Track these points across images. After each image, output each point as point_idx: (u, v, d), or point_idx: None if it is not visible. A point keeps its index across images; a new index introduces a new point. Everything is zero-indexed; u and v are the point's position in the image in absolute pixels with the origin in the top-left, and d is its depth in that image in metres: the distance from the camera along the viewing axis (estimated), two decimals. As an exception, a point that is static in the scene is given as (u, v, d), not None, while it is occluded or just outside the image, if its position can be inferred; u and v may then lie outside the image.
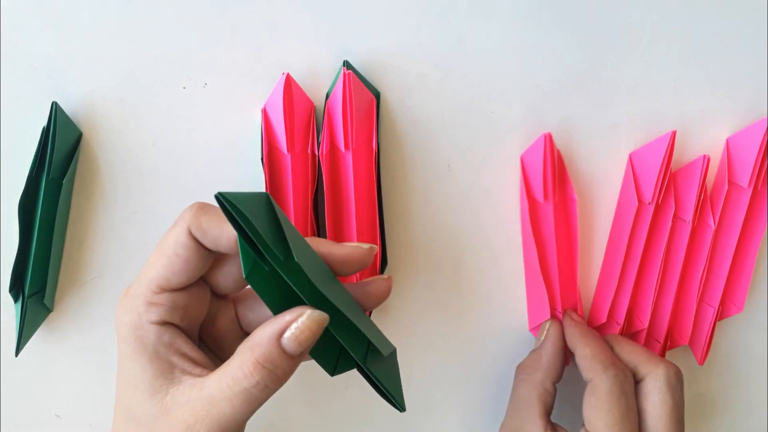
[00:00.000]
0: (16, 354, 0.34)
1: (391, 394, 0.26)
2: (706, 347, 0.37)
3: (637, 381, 0.33)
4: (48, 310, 0.35)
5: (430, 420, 0.39)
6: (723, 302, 0.37)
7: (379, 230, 0.34)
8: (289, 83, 0.31)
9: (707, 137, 0.36)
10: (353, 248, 0.27)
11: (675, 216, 0.35)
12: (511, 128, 0.35)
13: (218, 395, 0.25)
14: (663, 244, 0.35)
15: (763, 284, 0.38)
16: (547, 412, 0.34)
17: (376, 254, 0.34)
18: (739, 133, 0.35)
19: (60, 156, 0.32)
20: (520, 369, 0.35)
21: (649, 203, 0.34)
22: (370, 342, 0.26)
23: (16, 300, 0.33)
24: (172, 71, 0.33)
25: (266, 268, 0.25)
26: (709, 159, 0.34)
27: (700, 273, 0.36)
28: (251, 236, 0.24)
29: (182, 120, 0.33)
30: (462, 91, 0.34)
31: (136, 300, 0.26)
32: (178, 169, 0.34)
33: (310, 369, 0.35)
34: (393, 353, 0.28)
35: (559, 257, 0.35)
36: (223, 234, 0.25)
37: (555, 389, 0.35)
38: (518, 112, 0.35)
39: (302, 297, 0.24)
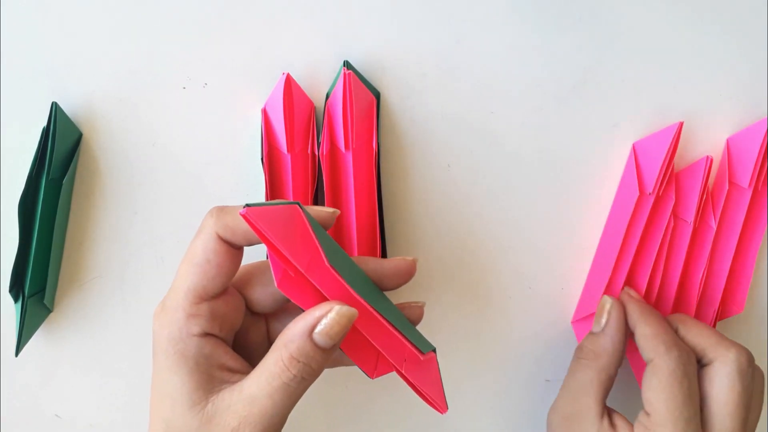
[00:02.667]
0: (16, 354, 0.34)
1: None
2: (706, 347, 0.37)
3: (704, 364, 0.32)
4: (48, 310, 0.35)
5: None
6: (723, 302, 0.37)
7: (379, 230, 0.34)
8: (290, 83, 0.31)
9: (708, 137, 0.36)
10: (399, 261, 0.28)
11: (676, 216, 0.35)
12: (511, 128, 0.35)
13: (258, 393, 0.25)
14: (659, 237, 0.35)
15: (763, 284, 0.38)
16: (605, 397, 0.33)
17: (376, 254, 0.34)
18: (739, 133, 0.35)
19: (60, 156, 0.32)
20: (582, 353, 0.34)
21: (650, 194, 0.34)
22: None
23: (16, 300, 0.33)
24: (172, 71, 0.33)
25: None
26: (711, 160, 0.34)
27: (701, 273, 0.36)
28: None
29: (182, 120, 0.33)
30: (462, 91, 0.34)
31: (176, 313, 0.26)
32: (178, 169, 0.34)
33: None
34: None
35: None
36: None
37: (616, 374, 0.33)
38: (518, 112, 0.35)
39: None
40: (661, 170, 0.33)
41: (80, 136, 0.33)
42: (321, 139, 0.32)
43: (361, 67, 0.33)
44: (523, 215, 0.36)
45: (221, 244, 0.26)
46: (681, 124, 0.33)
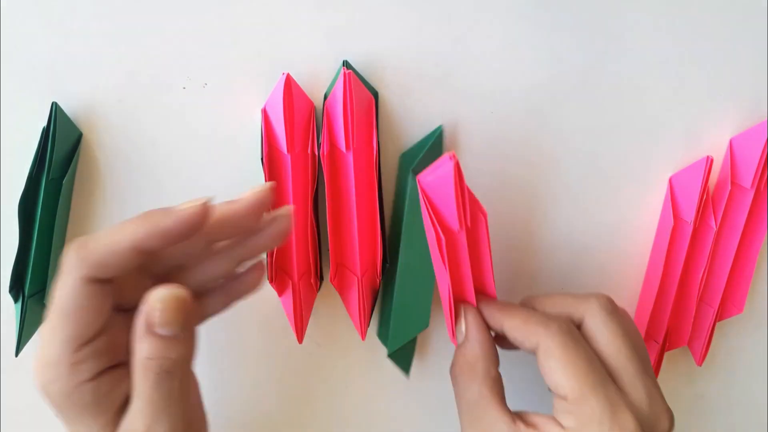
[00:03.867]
0: (16, 354, 0.34)
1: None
2: (705, 348, 0.37)
3: (577, 327, 0.31)
4: (48, 310, 0.35)
5: None
6: (723, 303, 0.37)
7: (380, 230, 0.34)
8: (290, 83, 0.31)
9: (708, 137, 0.36)
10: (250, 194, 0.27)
11: (676, 216, 0.35)
12: (511, 128, 0.35)
13: (140, 407, 0.25)
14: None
15: (763, 285, 0.38)
16: (504, 401, 0.30)
17: (376, 255, 0.34)
18: (743, 134, 0.35)
19: (60, 156, 0.32)
20: (457, 371, 0.31)
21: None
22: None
23: (16, 300, 0.33)
24: (172, 71, 0.33)
25: None
26: (712, 160, 0.34)
27: (701, 273, 0.36)
28: None
29: (182, 120, 0.33)
30: (462, 91, 0.34)
31: (58, 367, 0.24)
32: (178, 169, 0.34)
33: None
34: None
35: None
36: (122, 258, 0.24)
37: (500, 374, 0.31)
38: (518, 112, 0.35)
39: None
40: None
41: (80, 136, 0.33)
42: (321, 140, 0.32)
43: (361, 67, 0.33)
44: (523, 215, 0.36)
45: (91, 285, 0.24)
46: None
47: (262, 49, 0.33)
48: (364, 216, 0.33)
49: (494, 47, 0.33)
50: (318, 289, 0.35)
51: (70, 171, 0.33)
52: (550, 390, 0.29)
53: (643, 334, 0.37)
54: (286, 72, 0.31)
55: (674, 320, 0.38)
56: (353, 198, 0.33)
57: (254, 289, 0.30)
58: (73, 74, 0.33)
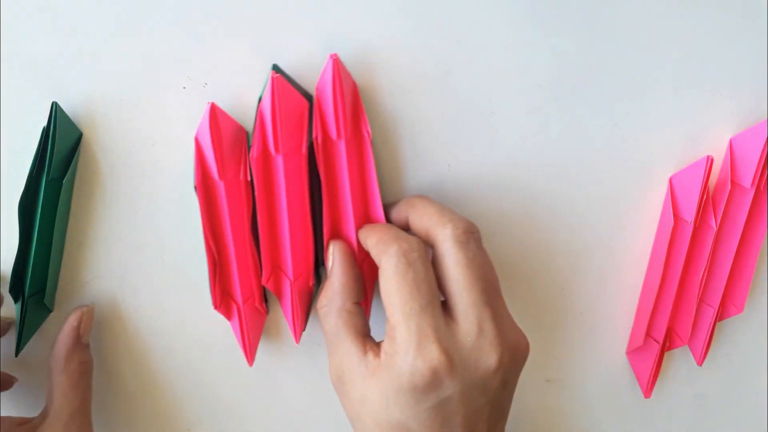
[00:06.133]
0: (16, 354, 0.34)
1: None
2: (705, 348, 0.37)
3: (433, 248, 0.30)
4: (48, 310, 0.35)
5: None
6: (723, 303, 0.37)
7: (312, 232, 0.34)
8: (215, 112, 0.31)
9: (708, 137, 0.36)
10: None
11: (676, 216, 0.35)
12: (511, 128, 0.35)
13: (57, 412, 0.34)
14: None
15: (763, 285, 0.38)
16: (361, 332, 0.31)
17: (310, 256, 0.34)
18: (743, 134, 0.35)
19: (60, 156, 0.32)
20: (318, 306, 0.33)
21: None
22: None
23: (16, 300, 0.33)
24: (172, 71, 0.33)
25: None
26: (712, 160, 0.34)
27: (701, 273, 0.36)
28: None
29: (182, 120, 0.33)
30: (462, 91, 0.34)
31: None
32: (179, 169, 0.34)
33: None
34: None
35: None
36: None
37: (360, 308, 0.32)
38: (518, 112, 0.35)
39: None
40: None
41: (80, 135, 0.33)
42: (252, 143, 0.32)
43: (360, 66, 0.33)
44: (522, 215, 0.36)
45: None
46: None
47: (262, 49, 0.33)
48: (296, 224, 0.33)
49: (494, 47, 0.33)
50: (267, 312, 0.36)
51: (70, 171, 0.33)
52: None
53: (643, 334, 0.36)
54: (211, 102, 0.31)
55: (674, 320, 0.38)
56: (284, 203, 0.33)
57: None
58: (73, 74, 0.33)
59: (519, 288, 0.37)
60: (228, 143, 0.32)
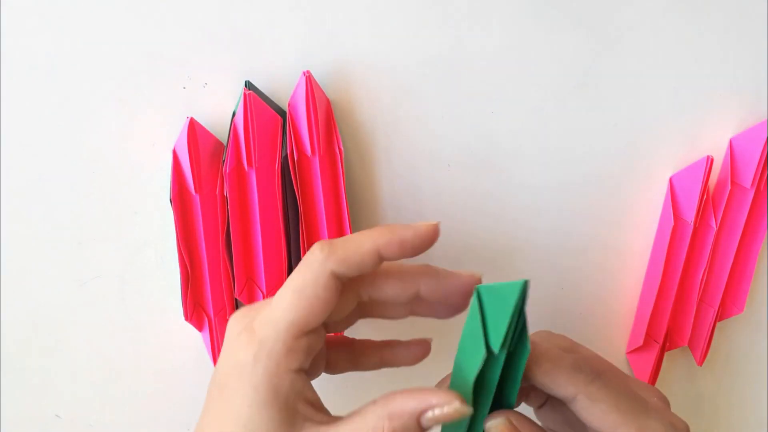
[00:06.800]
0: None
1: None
2: (705, 348, 0.37)
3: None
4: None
5: None
6: (723, 303, 0.37)
7: (285, 245, 0.34)
8: (193, 127, 0.31)
9: (708, 137, 0.36)
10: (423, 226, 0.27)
11: (676, 216, 0.35)
12: (511, 128, 0.35)
13: None
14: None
15: (763, 285, 0.38)
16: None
17: (282, 268, 0.34)
18: (743, 134, 0.35)
19: (60, 156, 0.32)
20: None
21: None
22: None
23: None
24: (172, 71, 0.33)
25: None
26: (712, 160, 0.34)
27: (701, 273, 0.36)
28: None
29: (182, 120, 0.33)
30: (462, 91, 0.34)
31: (276, 345, 0.25)
32: (178, 169, 0.34)
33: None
34: None
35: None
36: (365, 257, 0.26)
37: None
38: (518, 112, 0.35)
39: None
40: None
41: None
42: (225, 158, 0.32)
43: (361, 68, 0.33)
44: (523, 215, 0.36)
45: (333, 279, 0.26)
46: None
47: (263, 49, 0.33)
48: (268, 232, 0.34)
49: (494, 47, 0.33)
50: None
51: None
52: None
53: (643, 334, 0.36)
54: (189, 116, 0.32)
55: (674, 320, 0.38)
56: (257, 217, 0.33)
57: (411, 363, 0.31)
58: (73, 74, 0.33)
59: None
60: (206, 157, 0.33)
